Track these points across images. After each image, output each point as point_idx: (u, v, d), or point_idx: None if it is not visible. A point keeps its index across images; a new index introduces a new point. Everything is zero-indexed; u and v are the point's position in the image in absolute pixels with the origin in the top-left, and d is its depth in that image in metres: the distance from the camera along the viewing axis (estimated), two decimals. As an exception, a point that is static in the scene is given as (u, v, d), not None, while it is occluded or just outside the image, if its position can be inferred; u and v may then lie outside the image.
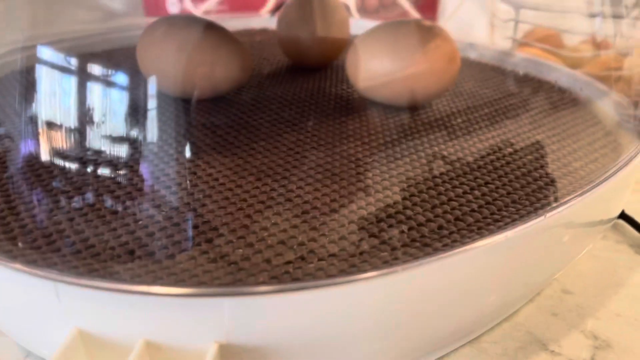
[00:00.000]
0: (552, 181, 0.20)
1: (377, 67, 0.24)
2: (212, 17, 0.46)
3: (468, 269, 0.16)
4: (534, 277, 0.19)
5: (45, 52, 0.26)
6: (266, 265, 0.15)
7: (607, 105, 0.27)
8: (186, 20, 0.26)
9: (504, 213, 0.18)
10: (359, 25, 0.37)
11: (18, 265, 0.15)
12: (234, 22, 0.42)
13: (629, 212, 0.25)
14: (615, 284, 0.22)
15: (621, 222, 0.26)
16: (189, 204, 0.18)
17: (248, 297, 0.14)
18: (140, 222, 0.17)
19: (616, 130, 0.25)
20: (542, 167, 0.21)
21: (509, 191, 0.19)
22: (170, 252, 0.16)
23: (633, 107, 0.26)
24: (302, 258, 0.16)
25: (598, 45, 0.30)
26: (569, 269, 0.23)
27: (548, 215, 0.17)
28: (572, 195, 0.19)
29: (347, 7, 0.43)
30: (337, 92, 0.29)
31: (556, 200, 0.19)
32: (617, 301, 0.21)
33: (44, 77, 0.24)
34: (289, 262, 0.15)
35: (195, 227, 0.17)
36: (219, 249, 0.16)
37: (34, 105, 0.25)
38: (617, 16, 0.27)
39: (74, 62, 0.25)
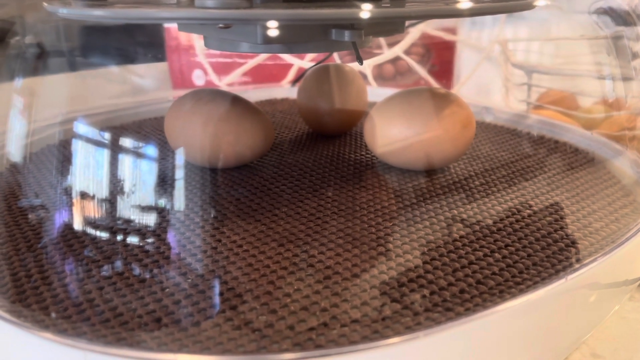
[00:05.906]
0: (573, 242, 0.20)
1: (393, 134, 0.25)
2: (236, 89, 0.48)
3: (491, 333, 0.16)
4: (560, 340, 0.19)
5: (81, 127, 0.28)
6: (289, 332, 0.15)
7: (624, 164, 0.28)
8: (211, 94, 0.27)
9: (525, 276, 0.18)
10: (376, 93, 0.39)
11: (48, 335, 0.16)
12: (257, 93, 0.45)
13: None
14: (647, 347, 0.21)
15: (649, 282, 0.25)
16: (214, 271, 0.19)
17: (272, 365, 0.14)
18: (167, 290, 0.18)
19: (635, 188, 0.25)
20: (561, 228, 0.21)
21: (529, 253, 0.19)
22: (196, 320, 0.16)
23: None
24: (325, 324, 0.16)
25: (610, 105, 0.30)
26: (597, 331, 0.22)
27: (569, 277, 0.17)
28: (594, 257, 0.19)
29: (364, 76, 0.45)
30: (356, 158, 0.29)
31: (578, 261, 0.19)
32: (650, 365, 0.20)
33: (79, 150, 0.26)
34: (312, 329, 0.15)
35: (220, 294, 0.17)
36: (243, 316, 0.16)
37: (68, 176, 0.27)
38: (626, 78, 0.27)
39: (107, 136, 0.26)
